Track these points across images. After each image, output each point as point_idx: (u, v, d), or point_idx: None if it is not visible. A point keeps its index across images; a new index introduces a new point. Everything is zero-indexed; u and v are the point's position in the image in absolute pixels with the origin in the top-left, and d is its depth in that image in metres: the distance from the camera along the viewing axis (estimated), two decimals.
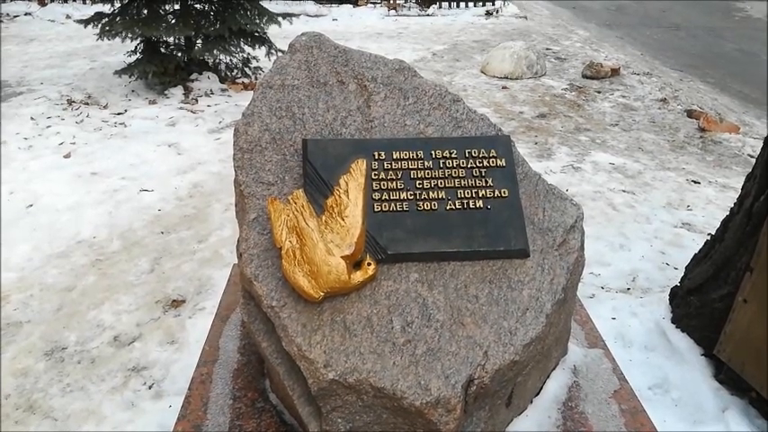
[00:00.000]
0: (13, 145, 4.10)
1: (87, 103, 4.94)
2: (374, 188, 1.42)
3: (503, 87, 5.75)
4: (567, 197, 1.56)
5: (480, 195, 1.43)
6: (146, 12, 5.18)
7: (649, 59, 7.23)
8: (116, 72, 5.09)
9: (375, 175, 1.43)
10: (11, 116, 4.63)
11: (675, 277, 2.47)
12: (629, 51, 7.63)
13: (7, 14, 8.57)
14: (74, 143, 4.18)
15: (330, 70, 1.61)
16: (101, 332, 2.43)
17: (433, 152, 1.47)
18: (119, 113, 4.79)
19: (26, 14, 8.76)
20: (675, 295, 2.25)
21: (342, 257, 1.30)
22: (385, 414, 1.26)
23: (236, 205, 1.63)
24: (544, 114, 5.00)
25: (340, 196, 1.39)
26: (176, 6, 5.36)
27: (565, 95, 5.56)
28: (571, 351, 1.74)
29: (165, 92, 5.20)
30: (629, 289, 2.63)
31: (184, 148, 4.16)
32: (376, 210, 1.40)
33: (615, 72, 6.14)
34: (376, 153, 1.45)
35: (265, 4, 5.60)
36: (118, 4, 5.21)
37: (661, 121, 4.88)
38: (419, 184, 1.43)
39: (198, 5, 5.41)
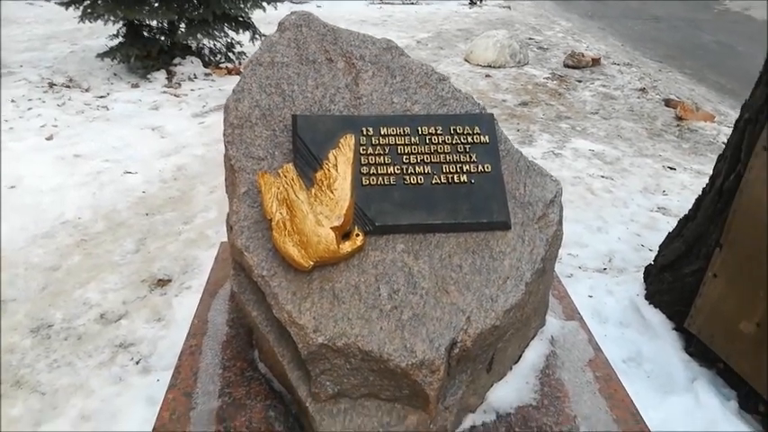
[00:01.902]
0: None
1: (69, 86, 4.89)
2: (362, 163, 1.46)
3: (486, 75, 5.81)
4: (546, 173, 1.62)
5: (464, 170, 1.49)
6: None
7: (630, 50, 7.35)
8: (98, 55, 5.04)
9: (363, 150, 1.48)
10: None
11: (650, 258, 2.56)
12: (610, 42, 7.75)
13: None
14: (56, 126, 4.14)
15: (319, 48, 1.64)
16: (87, 310, 2.45)
17: (419, 128, 1.51)
18: (101, 97, 4.75)
19: None
20: (649, 273, 2.34)
21: (331, 228, 1.34)
22: (372, 376, 1.31)
23: (225, 180, 1.67)
24: (526, 102, 5.08)
25: (329, 170, 1.43)
26: None
27: (547, 84, 5.65)
28: (549, 323, 1.81)
29: (148, 76, 5.17)
30: (605, 269, 2.72)
31: (168, 132, 4.15)
32: (364, 183, 1.44)
33: (596, 62, 6.24)
34: (364, 129, 1.50)
35: None
36: None
37: (640, 109, 4.99)
38: (406, 159, 1.48)
39: None
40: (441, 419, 1.34)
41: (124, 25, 5.29)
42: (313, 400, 1.35)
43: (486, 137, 1.54)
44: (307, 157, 1.46)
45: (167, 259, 2.76)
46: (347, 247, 1.37)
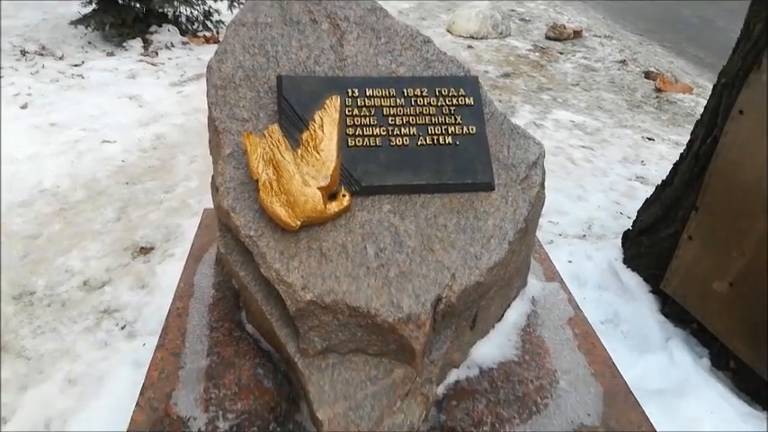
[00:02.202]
0: None
1: (42, 54, 4.75)
2: (348, 124, 1.47)
3: (468, 47, 5.79)
4: (530, 136, 1.64)
5: (449, 132, 1.50)
6: None
7: (611, 23, 7.37)
8: (72, 22, 4.89)
9: (349, 111, 1.48)
10: None
11: (628, 225, 2.62)
12: (592, 15, 7.75)
13: None
14: (30, 94, 4.04)
15: (303, 9, 1.63)
16: (69, 277, 2.43)
17: (404, 90, 1.52)
18: (75, 65, 4.64)
19: None
20: (627, 238, 2.40)
21: (318, 188, 1.35)
22: (359, 332, 1.34)
23: (210, 142, 1.66)
24: (508, 74, 5.08)
25: (315, 131, 1.43)
26: None
27: (528, 56, 5.65)
28: (530, 284, 1.86)
29: (124, 44, 5.04)
30: (584, 235, 2.78)
31: (146, 101, 4.08)
32: (350, 144, 1.45)
33: (577, 34, 6.25)
34: (349, 90, 1.49)
35: None
36: None
37: (620, 81, 5.04)
38: (391, 120, 1.49)
39: None
40: (426, 373, 1.37)
41: None
42: (302, 355, 1.37)
43: (471, 99, 1.55)
44: (292, 118, 1.46)
45: (149, 227, 2.75)
46: (334, 207, 1.39)
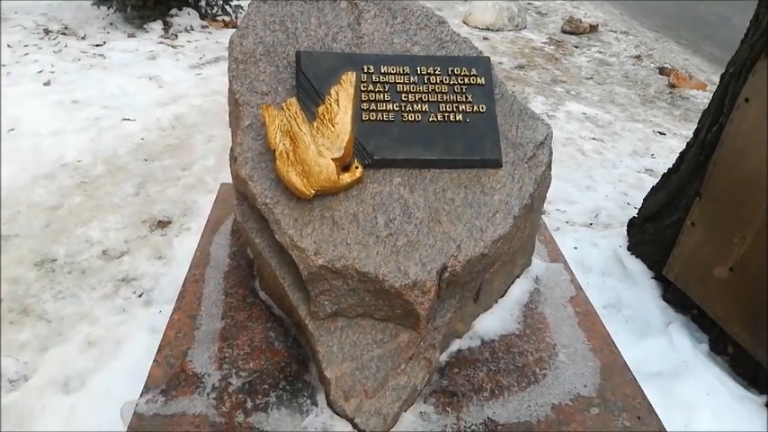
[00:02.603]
0: None
1: (65, 34, 4.85)
2: (363, 99, 1.52)
3: (484, 38, 5.81)
4: (538, 117, 1.69)
5: (460, 110, 1.56)
6: None
7: (627, 19, 7.35)
8: (94, 3, 4.99)
9: (364, 87, 1.54)
10: None
11: (635, 215, 2.66)
12: (608, 10, 7.73)
13: None
14: (53, 72, 4.13)
15: None
16: (89, 247, 2.52)
17: (418, 68, 1.57)
18: (97, 45, 4.73)
19: None
20: (632, 225, 2.44)
21: (332, 159, 1.41)
22: (367, 297, 1.41)
23: (229, 114, 1.73)
24: (522, 66, 5.11)
25: (331, 105, 1.48)
26: None
27: (543, 49, 5.66)
28: (534, 264, 1.91)
29: (144, 26, 5.13)
30: (591, 224, 2.82)
31: (165, 82, 4.16)
32: (364, 119, 1.51)
33: (593, 29, 6.24)
34: (365, 67, 1.55)
35: None
36: None
37: (634, 76, 5.04)
38: (405, 97, 1.54)
39: None
40: (430, 338, 1.44)
41: None
42: (312, 318, 1.44)
43: (482, 79, 1.60)
44: (309, 91, 1.52)
45: (167, 202, 2.83)
46: (347, 177, 1.45)
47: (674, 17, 7.60)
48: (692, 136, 2.24)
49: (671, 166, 2.38)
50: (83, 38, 4.83)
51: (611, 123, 4.01)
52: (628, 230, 2.49)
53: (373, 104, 1.52)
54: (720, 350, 2.03)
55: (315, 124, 1.47)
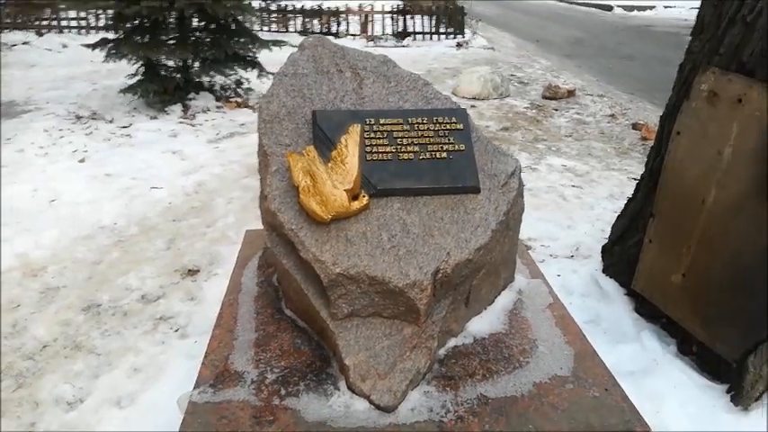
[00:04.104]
0: (30, 152, 4.53)
1: (94, 119, 5.40)
2: (366, 144, 1.92)
3: (471, 106, 6.37)
4: (508, 154, 2.09)
5: (444, 149, 1.95)
6: (148, 37, 5.71)
7: (603, 84, 7.99)
8: (121, 91, 5.58)
9: (367, 135, 1.93)
10: (24, 129, 5.07)
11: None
12: (586, 77, 8.39)
13: (5, 43, 9.01)
14: (86, 151, 4.62)
15: (331, 62, 2.13)
16: (129, 293, 2.86)
17: (409, 119, 1.98)
18: (124, 127, 5.26)
19: (24, 43, 9.23)
20: (605, 251, 2.79)
21: (344, 190, 1.79)
22: (376, 298, 1.74)
23: (259, 163, 2.12)
24: (507, 128, 5.61)
25: (341, 149, 1.88)
26: (176, 34, 5.90)
27: (526, 113, 6.21)
28: (517, 280, 2.24)
29: (165, 109, 5.70)
30: (572, 256, 3.16)
31: (187, 155, 4.63)
32: (368, 159, 1.90)
33: (571, 93, 6.84)
34: (367, 120, 1.96)
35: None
36: (121, 33, 5.73)
37: (609, 132, 5.54)
38: (399, 141, 1.94)
39: (196, 33, 5.96)
40: (429, 330, 1.76)
41: (142, 65, 5.85)
42: (332, 319, 1.76)
43: (461, 125, 2.01)
44: (324, 140, 1.92)
45: (195, 254, 3.19)
46: (356, 204, 1.82)
47: (648, 81, 8.24)
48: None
49: (630, 195, 2.76)
50: (110, 121, 5.38)
51: (589, 173, 4.43)
52: (602, 256, 2.84)
53: (375, 148, 1.92)
54: (687, 350, 2.32)
55: (329, 165, 1.85)
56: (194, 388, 1.72)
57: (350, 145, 1.88)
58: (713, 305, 2.11)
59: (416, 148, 1.93)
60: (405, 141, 1.94)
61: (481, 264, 1.87)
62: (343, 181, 1.81)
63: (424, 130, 1.97)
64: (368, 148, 1.91)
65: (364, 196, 1.83)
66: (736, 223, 2.01)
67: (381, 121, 1.97)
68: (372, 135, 1.94)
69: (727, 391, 2.12)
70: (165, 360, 2.38)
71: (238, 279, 2.30)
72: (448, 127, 2.00)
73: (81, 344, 2.51)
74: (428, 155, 1.93)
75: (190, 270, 3.05)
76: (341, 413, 1.63)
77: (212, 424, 1.59)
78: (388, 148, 1.92)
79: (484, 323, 2.00)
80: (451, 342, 1.90)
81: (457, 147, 1.96)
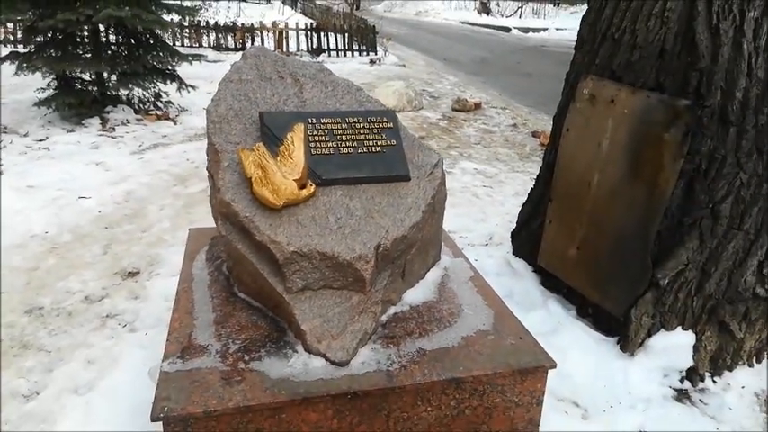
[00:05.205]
0: None
1: (6, 132, 5.24)
2: (310, 141, 2.18)
3: None
4: (432, 149, 2.43)
5: (378, 144, 2.25)
6: (60, 52, 5.62)
7: (506, 98, 8.71)
8: (35, 104, 5.44)
9: (310, 133, 2.19)
10: None
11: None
12: (490, 92, 9.10)
13: None
14: (1, 164, 4.50)
15: (273, 70, 2.38)
16: (71, 295, 2.91)
17: (347, 119, 2.27)
18: (40, 140, 5.15)
19: None
20: (513, 236, 3.21)
21: (293, 180, 2.05)
22: (327, 272, 2.00)
23: (208, 161, 2.31)
24: (423, 137, 6.05)
25: (288, 145, 2.13)
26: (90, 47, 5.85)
27: (439, 123, 6.71)
28: (443, 259, 2.58)
29: (82, 122, 5.61)
30: (486, 244, 3.57)
31: (111, 166, 4.64)
32: (313, 153, 2.15)
33: (478, 106, 7.44)
34: (309, 119, 2.22)
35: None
36: (32, 46, 5.61)
37: (513, 140, 6.13)
38: (339, 138, 2.22)
39: (112, 47, 5.94)
40: (373, 297, 2.04)
41: (55, 78, 5.74)
42: (287, 292, 2.00)
43: (391, 123, 2.32)
44: (272, 138, 2.16)
45: (134, 257, 3.28)
46: (304, 193, 2.07)
47: (545, 95, 9.05)
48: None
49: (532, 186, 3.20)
50: (25, 135, 5.24)
51: (497, 174, 4.93)
52: (511, 240, 3.26)
53: (318, 144, 2.18)
54: (584, 313, 2.75)
55: (278, 159, 2.10)
56: (163, 360, 1.89)
57: (296, 141, 2.14)
58: (602, 271, 2.55)
59: (355, 144, 2.22)
60: (344, 138, 2.22)
61: (414, 240, 2.18)
62: (292, 172, 2.06)
63: (360, 128, 2.27)
64: (312, 144, 2.17)
65: (311, 185, 2.09)
66: (615, 202, 2.47)
67: (322, 121, 2.24)
68: (315, 133, 2.20)
69: (617, 342, 2.56)
70: (118, 351, 2.49)
71: (189, 270, 2.47)
72: (380, 125, 2.30)
73: (29, 343, 2.55)
74: (365, 149, 2.23)
75: (130, 272, 3.14)
76: (301, 370, 1.87)
77: (185, 387, 1.77)
78: (329, 144, 2.20)
79: (418, 293, 2.31)
80: (392, 310, 2.19)
81: (389, 142, 2.27)
